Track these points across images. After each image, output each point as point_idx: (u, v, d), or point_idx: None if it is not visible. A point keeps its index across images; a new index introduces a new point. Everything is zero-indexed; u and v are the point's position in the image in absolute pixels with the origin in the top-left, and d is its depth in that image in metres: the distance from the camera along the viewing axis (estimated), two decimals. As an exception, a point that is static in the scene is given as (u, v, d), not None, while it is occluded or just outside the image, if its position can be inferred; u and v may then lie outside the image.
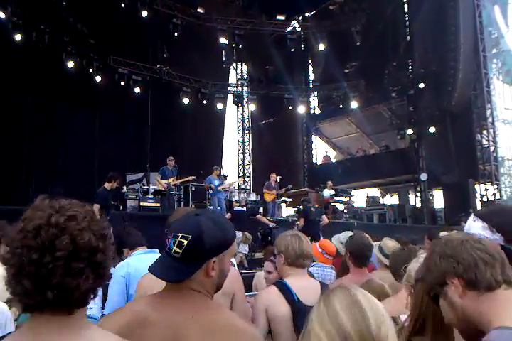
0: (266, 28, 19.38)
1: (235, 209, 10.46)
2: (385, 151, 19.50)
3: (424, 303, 1.74)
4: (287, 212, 16.14)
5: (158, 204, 12.34)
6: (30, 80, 13.90)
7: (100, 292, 2.79)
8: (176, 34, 16.94)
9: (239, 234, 9.29)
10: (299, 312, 2.41)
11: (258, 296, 2.69)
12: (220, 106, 19.23)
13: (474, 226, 1.77)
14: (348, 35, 18.32)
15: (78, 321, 1.16)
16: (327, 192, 15.15)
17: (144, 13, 15.99)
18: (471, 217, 1.81)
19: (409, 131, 17.78)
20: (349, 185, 18.69)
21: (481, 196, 16.66)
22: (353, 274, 3.41)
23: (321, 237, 9.20)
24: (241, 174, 21.34)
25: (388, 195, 21.67)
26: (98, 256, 1.14)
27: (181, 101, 17.57)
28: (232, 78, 21.74)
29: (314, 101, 22.71)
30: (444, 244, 1.41)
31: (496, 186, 16.52)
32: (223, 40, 18.48)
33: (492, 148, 16.80)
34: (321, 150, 22.86)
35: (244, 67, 21.72)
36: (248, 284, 3.87)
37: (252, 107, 20.43)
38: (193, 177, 12.47)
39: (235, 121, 22.19)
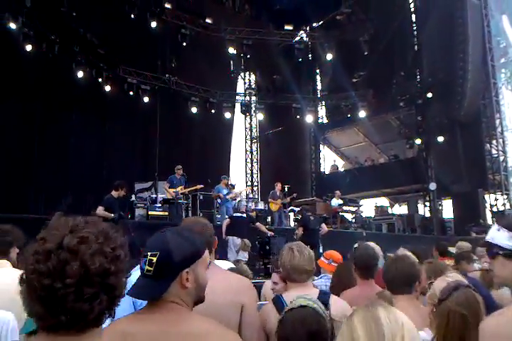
0: (274, 38, 19.48)
1: (234, 215, 10.36)
2: (394, 161, 19.42)
3: (450, 323, 1.73)
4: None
5: (167, 213, 12.34)
6: (40, 90, 14.02)
7: None
8: (184, 44, 17.09)
9: (238, 240, 9.19)
10: None
11: (261, 311, 2.68)
12: (228, 115, 19.28)
13: (499, 236, 1.74)
14: (356, 44, 18.37)
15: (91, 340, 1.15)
16: (335, 202, 15.09)
17: (153, 24, 16.15)
18: (495, 227, 1.78)
19: (418, 141, 17.71)
20: (357, 194, 18.61)
21: (491, 206, 16.53)
22: (360, 286, 3.36)
23: (321, 246, 9.13)
24: (249, 183, 21.33)
25: (397, 205, 21.55)
26: (111, 279, 1.11)
27: (189, 110, 17.65)
28: (240, 87, 21.84)
29: (322, 111, 22.71)
30: None
31: (505, 196, 16.38)
32: (231, 50, 18.58)
33: (502, 158, 16.72)
34: (329, 160, 22.84)
35: (252, 77, 21.81)
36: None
37: (260, 116, 20.47)
38: (201, 185, 12.47)
39: (242, 131, 22.24)
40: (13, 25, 12.88)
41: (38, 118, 14.26)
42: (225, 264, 4.24)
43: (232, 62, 20.48)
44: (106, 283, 1.10)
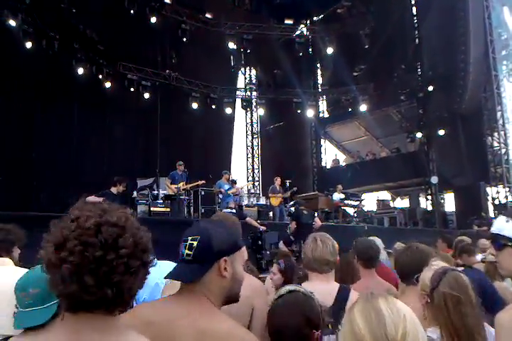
0: (274, 33, 19.42)
1: (223, 211, 10.29)
2: (395, 154, 19.41)
3: (450, 310, 1.73)
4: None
5: (168, 209, 12.35)
6: (40, 87, 14.02)
7: None
8: (184, 39, 17.05)
9: None
10: None
11: (268, 299, 2.69)
12: (228, 110, 19.27)
13: (508, 227, 1.75)
14: (357, 38, 18.31)
15: (116, 323, 1.18)
16: (337, 196, 15.09)
17: (153, 19, 16.10)
18: (502, 219, 1.79)
19: (419, 134, 17.68)
20: (359, 188, 18.61)
21: (493, 199, 16.53)
22: (363, 277, 3.40)
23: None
24: (250, 178, 21.34)
25: (399, 199, 21.55)
26: (146, 256, 1.18)
27: (190, 106, 17.64)
28: (241, 83, 21.80)
29: (323, 105, 22.68)
30: None
31: (507, 189, 16.38)
32: (231, 45, 18.54)
33: (503, 151, 16.71)
34: (330, 154, 22.83)
35: (253, 72, 21.76)
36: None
37: (261, 111, 20.45)
38: (203, 181, 12.46)
39: (243, 126, 22.22)
40: (12, 23, 12.86)
41: (39, 115, 14.27)
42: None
43: (232, 57, 20.44)
44: (145, 259, 1.17)
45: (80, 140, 15.09)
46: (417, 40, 17.92)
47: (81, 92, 14.79)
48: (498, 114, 16.90)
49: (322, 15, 20.55)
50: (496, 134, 16.86)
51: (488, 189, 16.59)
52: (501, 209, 15.42)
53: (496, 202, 16.46)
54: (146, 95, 16.52)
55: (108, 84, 15.78)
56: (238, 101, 20.57)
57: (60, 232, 1.11)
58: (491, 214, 15.88)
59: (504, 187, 16.42)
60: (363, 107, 18.96)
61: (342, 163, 21.79)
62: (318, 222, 9.80)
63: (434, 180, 16.89)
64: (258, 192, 19.52)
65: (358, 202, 16.37)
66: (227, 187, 12.35)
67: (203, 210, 12.76)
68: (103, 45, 15.47)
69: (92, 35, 15.11)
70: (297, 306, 1.83)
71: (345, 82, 19.12)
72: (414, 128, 18.14)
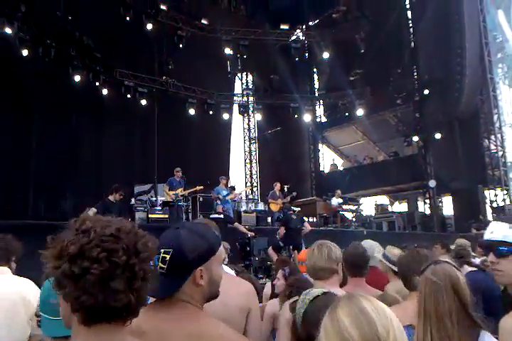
0: (270, 38, 19.47)
1: (210, 216, 10.12)
2: (393, 158, 19.43)
3: (424, 291, 1.72)
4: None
5: (167, 216, 12.31)
6: (37, 94, 14.00)
7: None
8: (180, 46, 17.10)
9: None
10: None
11: (269, 303, 2.85)
12: (226, 116, 19.27)
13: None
14: (352, 42, 18.38)
15: (127, 334, 1.18)
16: (335, 201, 15.07)
17: (149, 26, 16.16)
18: (505, 225, 1.77)
19: (415, 138, 17.71)
20: (357, 193, 18.61)
21: (491, 202, 16.53)
22: (349, 284, 3.35)
23: (303, 246, 9.00)
24: (248, 184, 21.32)
25: (397, 203, 21.55)
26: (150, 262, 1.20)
27: (187, 112, 17.64)
28: (238, 88, 21.82)
29: (320, 110, 22.74)
30: None
31: (505, 191, 16.39)
32: (228, 51, 18.58)
33: (501, 153, 16.73)
34: (328, 159, 22.83)
35: (250, 77, 21.80)
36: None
37: (258, 117, 20.47)
38: (201, 187, 12.44)
39: (241, 131, 22.23)
40: (8, 30, 12.87)
41: (36, 123, 14.25)
42: (227, 270, 4.24)
43: (229, 63, 20.46)
44: (151, 265, 1.19)
45: (77, 147, 15.07)
46: (412, 44, 18.00)
47: (78, 99, 14.77)
48: (495, 116, 16.94)
49: (318, 20, 20.64)
50: (492, 137, 16.89)
51: (486, 192, 16.59)
52: (499, 212, 15.42)
53: (494, 205, 16.45)
54: (143, 102, 16.52)
55: (105, 91, 15.78)
56: (235, 107, 20.58)
57: (71, 244, 1.09)
58: (490, 217, 15.87)
59: (502, 190, 16.43)
60: (360, 111, 19.01)
61: (340, 168, 21.80)
62: (307, 226, 9.71)
63: (432, 183, 16.90)
64: (256, 197, 19.49)
65: (356, 207, 16.36)
66: (225, 192, 12.32)
67: (201, 216, 12.71)
68: (99, 52, 15.48)
69: (89, 42, 15.11)
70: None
71: (341, 87, 19.18)
72: (411, 131, 18.17)
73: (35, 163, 13.96)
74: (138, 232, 1.17)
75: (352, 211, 16.08)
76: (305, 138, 22.79)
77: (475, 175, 16.20)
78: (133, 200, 13.38)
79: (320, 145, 22.90)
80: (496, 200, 16.50)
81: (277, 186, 13.55)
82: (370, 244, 3.91)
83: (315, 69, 22.80)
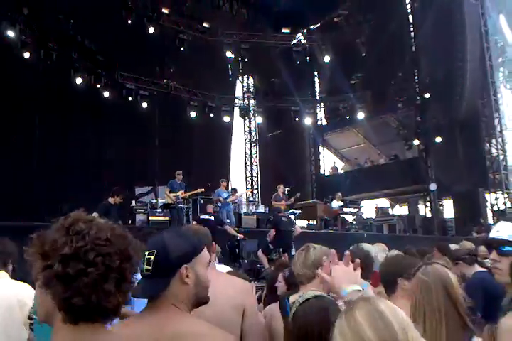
0: (271, 41, 19.52)
1: (201, 217, 10.02)
2: (394, 161, 19.43)
3: (417, 296, 1.73)
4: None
5: (167, 218, 12.32)
6: (38, 97, 14.04)
7: None
8: (182, 49, 17.13)
9: None
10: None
11: (266, 309, 2.83)
12: (227, 119, 19.30)
13: None
14: (354, 46, 18.41)
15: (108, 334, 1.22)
16: (336, 204, 15.06)
17: (151, 29, 16.22)
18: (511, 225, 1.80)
19: (416, 142, 17.70)
20: (358, 196, 18.61)
21: (492, 205, 16.52)
22: None
23: (293, 248, 8.95)
24: (249, 186, 21.31)
25: (397, 206, 21.53)
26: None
27: (188, 114, 17.67)
28: (239, 91, 21.84)
29: (321, 113, 22.74)
30: None
31: (506, 195, 16.37)
32: (229, 54, 18.62)
33: (501, 157, 16.73)
34: (328, 162, 22.82)
35: (251, 80, 21.83)
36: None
37: (259, 120, 20.51)
38: (202, 189, 12.45)
39: (242, 134, 22.24)
40: (10, 33, 12.93)
41: (37, 124, 14.26)
42: (222, 268, 4.24)
43: (230, 66, 20.51)
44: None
45: (78, 149, 15.09)
46: (413, 48, 18.00)
47: (79, 102, 14.83)
48: (496, 120, 16.95)
49: (319, 24, 20.66)
50: (493, 140, 16.89)
51: (486, 195, 16.58)
52: (500, 215, 15.41)
53: (495, 208, 16.44)
54: (145, 104, 16.57)
55: (106, 94, 15.83)
56: (236, 110, 20.62)
57: (64, 245, 1.10)
58: (490, 220, 15.86)
59: (503, 194, 16.42)
60: (361, 115, 19.03)
61: (341, 171, 21.79)
62: (297, 229, 9.65)
63: (433, 187, 16.88)
64: (257, 200, 19.50)
65: (356, 210, 16.36)
66: (225, 195, 12.34)
67: (228, 221, 12.68)
68: (101, 55, 15.53)
69: (90, 46, 15.18)
70: (327, 312, 1.80)
71: (342, 90, 19.20)
72: (411, 135, 18.15)
73: (35, 165, 13.97)
74: (128, 237, 1.20)
75: (352, 214, 16.07)
76: (306, 141, 22.80)
77: (476, 179, 16.19)
78: (133, 202, 13.39)
79: (321, 148, 22.89)
80: (496, 204, 16.49)
81: (280, 188, 13.46)
82: (368, 247, 3.92)
83: (316, 73, 22.82)
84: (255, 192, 21.05)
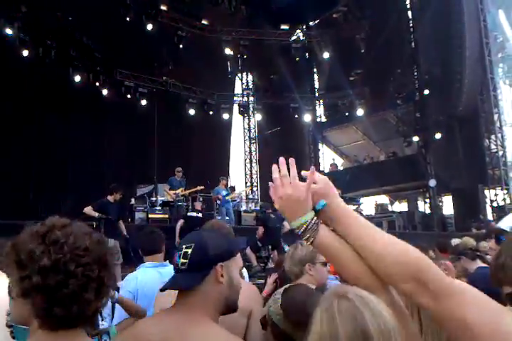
0: (270, 38, 19.48)
1: (188, 214, 9.92)
2: (393, 158, 19.41)
3: None
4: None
5: (167, 216, 12.33)
6: (37, 95, 14.02)
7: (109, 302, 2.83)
8: (180, 46, 17.09)
9: None
10: None
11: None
12: (226, 116, 19.29)
13: None
14: (353, 42, 18.38)
15: (86, 337, 1.20)
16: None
17: (149, 26, 16.17)
18: None
19: (415, 138, 17.69)
20: (357, 192, 18.60)
21: (491, 201, 16.50)
22: None
23: (285, 245, 8.91)
24: (248, 183, 21.33)
25: (397, 202, 21.54)
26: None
27: (187, 112, 17.67)
28: (238, 88, 21.84)
29: (320, 110, 22.72)
30: None
31: (505, 191, 16.36)
32: (228, 51, 18.60)
33: (501, 153, 16.70)
34: (328, 159, 22.83)
35: (250, 77, 21.80)
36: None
37: (258, 117, 20.49)
38: (202, 187, 12.45)
39: (241, 131, 22.25)
40: (9, 31, 12.91)
41: (36, 122, 14.25)
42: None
43: (229, 63, 20.48)
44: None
45: (78, 147, 15.08)
46: (412, 44, 17.96)
47: (78, 100, 14.80)
48: (495, 116, 16.90)
49: (318, 21, 20.61)
50: (493, 137, 16.86)
51: (486, 191, 16.57)
52: (500, 211, 15.41)
53: (495, 204, 16.42)
54: (143, 102, 16.56)
55: (105, 92, 15.83)
56: (235, 107, 20.60)
57: (41, 255, 1.08)
58: (490, 216, 15.87)
59: (502, 190, 16.40)
60: (360, 111, 19.03)
61: (340, 168, 21.79)
62: (286, 225, 9.61)
63: (432, 183, 16.87)
64: (256, 197, 19.50)
65: (356, 206, 16.35)
66: (224, 193, 12.34)
67: (218, 217, 12.71)
68: (99, 52, 15.51)
69: (89, 43, 15.15)
70: (310, 295, 1.85)
71: (341, 87, 19.16)
72: (411, 131, 18.14)
73: (35, 164, 13.97)
74: (104, 242, 1.20)
75: (352, 211, 16.03)
76: (305, 138, 22.78)
77: (475, 175, 16.18)
78: (133, 200, 13.39)
79: (320, 145, 22.90)
80: (496, 200, 16.47)
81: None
82: None
83: (315, 69, 22.77)
84: (255, 189, 21.06)
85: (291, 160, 1.30)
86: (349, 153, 23.19)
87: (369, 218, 16.63)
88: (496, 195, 16.53)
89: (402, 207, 20.71)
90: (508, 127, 19.19)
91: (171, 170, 12.27)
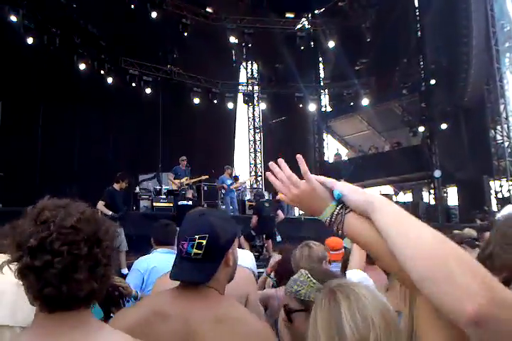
0: (275, 26, 19.33)
1: (179, 203, 9.92)
2: (398, 148, 19.35)
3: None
4: (299, 210, 16.07)
5: (171, 204, 12.37)
6: (42, 83, 13.99)
7: None
8: (185, 34, 16.99)
9: None
10: None
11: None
12: (230, 105, 19.24)
13: None
14: (358, 31, 18.22)
15: (90, 318, 1.19)
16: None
17: (154, 14, 16.06)
18: None
19: (421, 128, 17.61)
20: (361, 183, 18.54)
21: (496, 192, 16.47)
22: (367, 271, 3.36)
23: (277, 234, 8.95)
24: (253, 173, 21.33)
25: (401, 193, 21.52)
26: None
27: (192, 101, 17.62)
28: (243, 77, 21.74)
29: (325, 99, 22.61)
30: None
31: (510, 182, 16.32)
32: (233, 39, 18.48)
33: (506, 144, 16.63)
34: (332, 149, 22.79)
35: (255, 66, 21.68)
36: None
37: (263, 106, 20.42)
38: (206, 176, 12.47)
39: (245, 120, 22.18)
40: (13, 18, 12.85)
41: (41, 110, 14.26)
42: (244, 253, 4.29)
43: (233, 52, 20.36)
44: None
45: (82, 135, 15.09)
46: (419, 33, 17.79)
47: (82, 88, 14.76)
48: (501, 106, 16.80)
49: (323, 9, 20.43)
50: (498, 127, 16.77)
51: (491, 182, 16.53)
52: (504, 202, 15.38)
53: (499, 195, 16.40)
54: (148, 90, 16.52)
55: (110, 80, 15.78)
56: (240, 96, 20.54)
57: (31, 235, 1.09)
58: (494, 207, 15.85)
59: (507, 181, 16.36)
60: (365, 101, 18.93)
61: (344, 158, 21.75)
62: (280, 214, 9.63)
63: (437, 174, 16.82)
64: (261, 186, 19.51)
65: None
66: (229, 182, 12.36)
67: (205, 205, 12.75)
68: (104, 40, 15.44)
69: (93, 31, 15.07)
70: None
71: (347, 76, 19.05)
72: (416, 121, 18.06)
73: (40, 152, 14.01)
74: (98, 220, 1.18)
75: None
76: (310, 128, 22.72)
77: (480, 166, 16.12)
78: (137, 188, 13.43)
79: (325, 135, 22.83)
80: (501, 191, 16.45)
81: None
82: None
83: (320, 59, 22.63)
84: (259, 179, 21.06)
85: (299, 158, 1.25)
86: (354, 143, 23.13)
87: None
88: (501, 186, 16.50)
89: (406, 197, 20.70)
90: (514, 118, 19.02)
91: (175, 158, 12.28)
